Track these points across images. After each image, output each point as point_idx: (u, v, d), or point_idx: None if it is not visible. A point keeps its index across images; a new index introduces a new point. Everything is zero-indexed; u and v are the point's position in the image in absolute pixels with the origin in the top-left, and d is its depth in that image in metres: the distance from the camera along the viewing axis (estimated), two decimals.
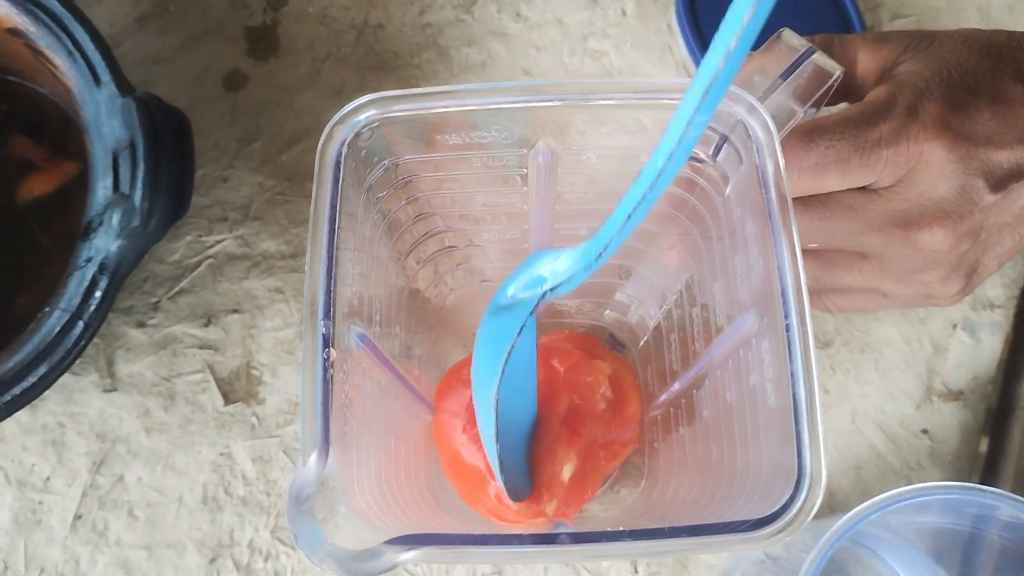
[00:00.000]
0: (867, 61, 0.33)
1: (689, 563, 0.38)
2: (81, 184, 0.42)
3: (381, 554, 0.22)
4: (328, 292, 0.24)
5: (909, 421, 0.40)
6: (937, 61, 0.31)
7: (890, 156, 0.30)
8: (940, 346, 0.41)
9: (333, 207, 0.24)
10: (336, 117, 0.24)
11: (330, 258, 0.24)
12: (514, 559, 0.30)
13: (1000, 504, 0.31)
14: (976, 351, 0.41)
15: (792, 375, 0.23)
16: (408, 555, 0.22)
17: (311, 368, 0.24)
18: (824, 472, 0.22)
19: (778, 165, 0.25)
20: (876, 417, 0.40)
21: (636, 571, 0.38)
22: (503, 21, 0.46)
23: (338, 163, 0.24)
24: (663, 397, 0.35)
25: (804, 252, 0.26)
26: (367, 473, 0.27)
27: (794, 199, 0.29)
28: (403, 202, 0.29)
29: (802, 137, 0.30)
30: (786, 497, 0.22)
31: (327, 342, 0.24)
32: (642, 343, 0.38)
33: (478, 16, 0.47)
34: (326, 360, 0.24)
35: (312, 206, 0.24)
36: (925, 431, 0.40)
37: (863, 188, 0.31)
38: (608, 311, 0.39)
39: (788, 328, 0.23)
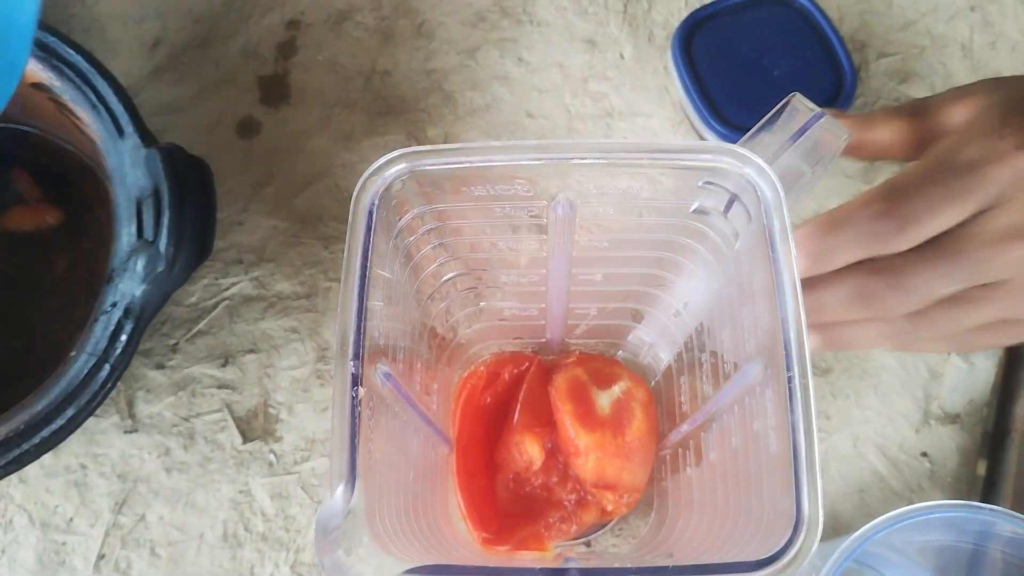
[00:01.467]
0: (960, 114, 0.34)
1: None
2: (100, 231, 0.44)
3: None
4: (358, 334, 0.26)
5: (909, 444, 0.42)
6: (1014, 88, 0.32)
7: (989, 173, 0.30)
8: (936, 371, 0.43)
9: (365, 255, 0.25)
10: (369, 171, 0.26)
11: (360, 302, 0.26)
12: None
13: (999, 520, 0.32)
14: (971, 375, 0.43)
15: (792, 425, 0.24)
16: None
17: (340, 405, 0.25)
18: (821, 517, 0.23)
19: (784, 225, 0.26)
20: (877, 441, 0.41)
21: None
22: (505, 66, 0.48)
23: (371, 213, 0.26)
24: (672, 437, 0.36)
25: (939, 303, 0.28)
26: (389, 504, 0.28)
27: (918, 257, 0.30)
28: (428, 247, 0.30)
29: (904, 190, 0.30)
30: (785, 540, 0.23)
31: (356, 381, 0.25)
32: (653, 383, 0.39)
33: (481, 61, 0.48)
34: (354, 398, 0.25)
35: (345, 252, 0.26)
36: (925, 454, 0.41)
37: (969, 219, 0.31)
38: (621, 351, 0.40)
39: (790, 380, 0.25)
